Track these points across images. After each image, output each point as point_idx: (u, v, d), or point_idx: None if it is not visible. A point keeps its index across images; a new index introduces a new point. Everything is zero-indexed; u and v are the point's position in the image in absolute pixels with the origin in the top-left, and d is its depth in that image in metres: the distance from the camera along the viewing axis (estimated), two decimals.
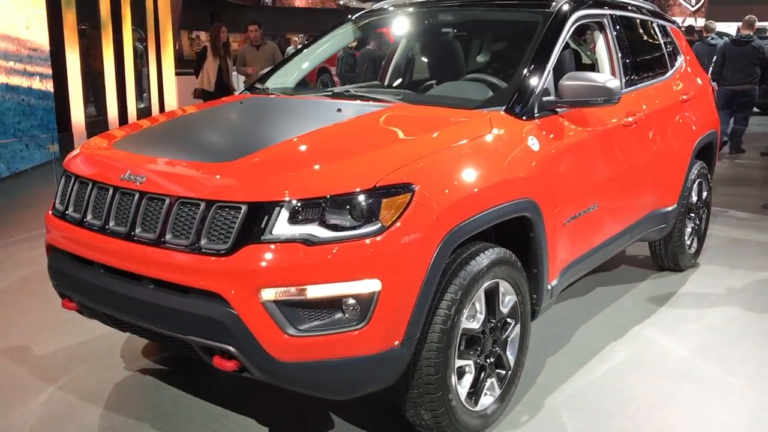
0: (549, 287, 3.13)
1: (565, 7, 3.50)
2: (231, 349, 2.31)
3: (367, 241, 2.27)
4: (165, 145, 2.80)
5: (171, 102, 12.95)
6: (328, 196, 2.28)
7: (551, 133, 3.05)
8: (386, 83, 4.63)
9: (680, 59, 4.65)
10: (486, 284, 2.66)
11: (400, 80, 4.54)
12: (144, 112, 11.90)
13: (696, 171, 4.61)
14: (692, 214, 4.73)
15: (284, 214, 2.26)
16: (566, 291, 4.24)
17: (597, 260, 3.66)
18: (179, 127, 3.16)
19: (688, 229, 4.72)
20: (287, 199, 2.27)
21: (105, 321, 2.73)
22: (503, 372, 2.88)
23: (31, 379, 3.21)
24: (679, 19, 16.49)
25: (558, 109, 3.15)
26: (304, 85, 3.98)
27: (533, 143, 2.92)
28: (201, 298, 2.30)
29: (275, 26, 25.96)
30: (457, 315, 2.51)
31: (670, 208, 4.35)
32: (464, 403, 2.65)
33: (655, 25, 4.48)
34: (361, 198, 2.29)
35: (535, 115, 3.04)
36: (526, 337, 2.98)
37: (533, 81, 3.10)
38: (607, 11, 3.84)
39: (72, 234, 2.66)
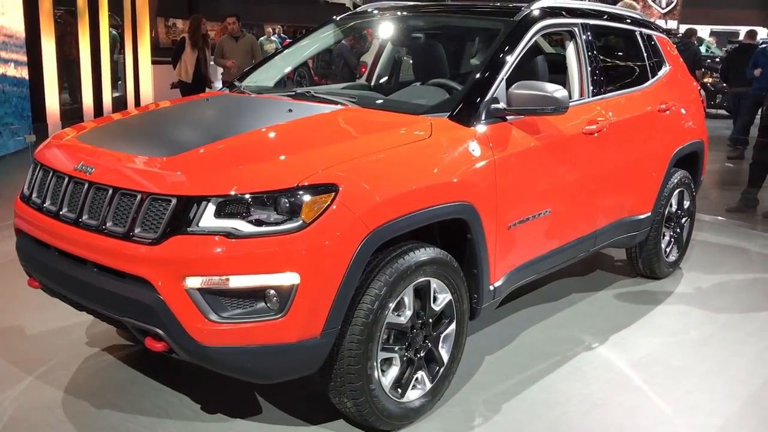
0: (491, 288, 3.24)
1: (528, 17, 3.60)
2: (159, 331, 2.49)
3: (287, 236, 2.42)
4: (121, 140, 2.99)
5: (147, 91, 12.67)
6: (251, 193, 2.44)
7: (497, 139, 3.16)
8: (372, 83, 4.79)
9: (664, 69, 4.68)
10: (415, 282, 2.79)
11: (379, 81, 4.70)
12: (119, 101, 11.71)
13: (676, 180, 4.65)
14: (671, 223, 4.77)
15: (211, 208, 2.43)
16: (536, 291, 4.38)
17: (553, 263, 3.74)
18: (141, 122, 3.36)
19: (666, 238, 4.76)
20: (214, 194, 2.43)
21: (64, 300, 2.93)
22: (436, 367, 3.01)
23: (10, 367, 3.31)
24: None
25: (508, 117, 3.25)
26: (281, 83, 4.13)
27: (474, 149, 3.03)
28: (134, 283, 2.49)
29: (255, 16, 25.08)
30: (380, 310, 2.65)
31: (643, 216, 4.40)
32: (388, 393, 2.79)
33: (638, 34, 4.52)
34: (283, 196, 2.45)
35: (482, 121, 3.14)
36: (462, 334, 3.09)
37: (481, 88, 3.21)
38: (578, 20, 3.90)
39: (33, 218, 2.87)
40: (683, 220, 4.92)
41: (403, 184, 2.71)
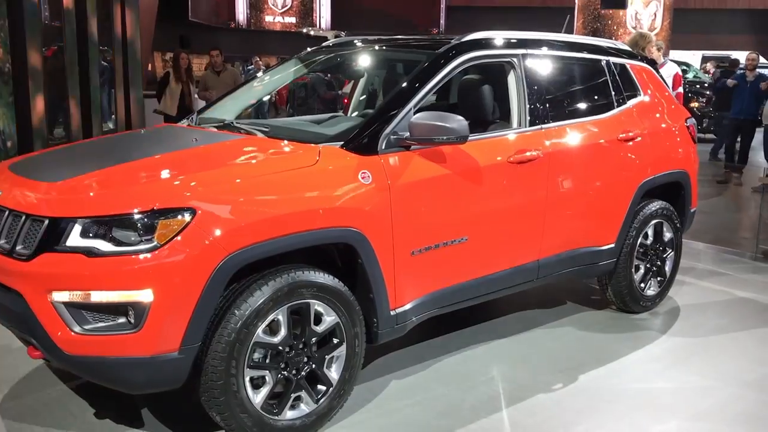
0: (392, 313, 3.30)
1: (450, 50, 3.67)
2: (33, 340, 2.73)
3: (141, 256, 2.62)
4: (38, 167, 3.28)
5: (138, 124, 12.19)
6: (110, 215, 2.66)
7: (394, 167, 3.24)
8: (348, 114, 4.96)
9: (637, 98, 4.58)
10: (290, 303, 2.90)
11: (353, 113, 4.87)
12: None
13: (650, 211, 4.52)
14: (647, 255, 4.62)
15: (77, 228, 2.66)
16: (498, 321, 4.36)
17: (481, 292, 3.73)
18: (67, 151, 3.68)
19: (641, 271, 4.61)
20: (79, 215, 2.66)
21: None
22: (323, 388, 3.09)
23: None
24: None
25: (414, 146, 3.32)
26: (243, 116, 4.35)
27: (364, 177, 3.12)
28: (13, 296, 2.75)
29: (248, 48, 26.06)
30: (244, 328, 2.78)
31: (604, 248, 4.32)
32: (260, 410, 2.90)
33: (603, 63, 4.45)
34: (138, 218, 2.65)
35: (379, 150, 3.23)
36: (355, 356, 3.16)
37: (382, 118, 3.31)
38: (518, 51, 3.93)
39: None
40: (665, 253, 4.76)
41: (272, 209, 2.84)
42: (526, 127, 3.89)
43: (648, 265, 4.67)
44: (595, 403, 3.46)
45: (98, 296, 2.64)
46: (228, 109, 4.25)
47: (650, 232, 4.61)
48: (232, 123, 3.73)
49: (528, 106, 3.90)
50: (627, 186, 4.36)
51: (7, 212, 2.87)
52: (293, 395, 3.01)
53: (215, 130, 3.68)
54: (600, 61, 4.45)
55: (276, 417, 2.97)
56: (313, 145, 3.21)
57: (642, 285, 4.64)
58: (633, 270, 4.54)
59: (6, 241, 2.82)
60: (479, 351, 4.01)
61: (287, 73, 4.53)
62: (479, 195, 3.58)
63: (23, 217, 2.78)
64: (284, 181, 2.96)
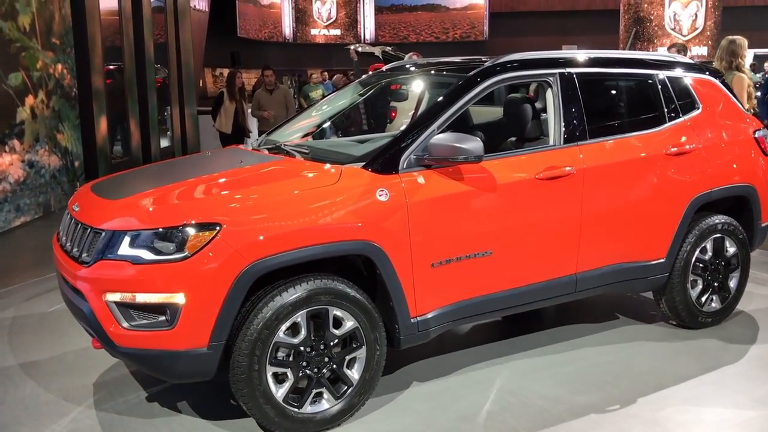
0: (413, 321, 3.56)
1: (481, 72, 3.88)
2: (93, 334, 3.26)
3: (175, 264, 3.07)
4: (111, 186, 3.83)
5: (194, 140, 12.64)
6: (151, 229, 3.13)
7: (414, 186, 3.50)
8: None
9: (693, 111, 4.54)
10: (308, 308, 3.26)
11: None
12: (167, 151, 11.98)
13: (706, 225, 4.47)
14: (706, 271, 4.56)
15: (126, 239, 3.15)
16: (538, 328, 4.53)
17: (510, 303, 3.89)
18: (137, 172, 4.23)
19: (699, 286, 4.56)
20: (128, 229, 3.16)
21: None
22: (344, 386, 3.42)
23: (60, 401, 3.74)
24: (663, 49, 13.65)
25: (433, 165, 3.57)
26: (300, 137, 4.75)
27: (382, 194, 3.42)
28: (79, 296, 3.29)
29: (295, 62, 26.13)
30: (265, 329, 3.16)
31: (653, 262, 4.33)
32: (281, 402, 3.27)
33: (656, 78, 4.46)
34: (173, 232, 3.10)
35: (400, 169, 3.51)
36: (374, 359, 3.46)
37: (404, 139, 3.59)
38: (555, 70, 4.07)
39: (56, 250, 3.77)
40: (729, 268, 4.66)
41: (289, 225, 3.20)
42: (560, 144, 4.01)
43: (708, 281, 4.60)
44: (623, 426, 3.45)
45: (142, 297, 3.11)
46: (290, 131, 4.68)
47: (709, 246, 4.55)
48: (281, 145, 4.14)
49: (563, 123, 4.03)
50: (677, 200, 4.35)
51: (79, 225, 3.43)
52: (314, 391, 3.36)
53: (266, 152, 4.10)
54: (648, 75, 4.46)
55: (297, 410, 3.32)
56: (337, 165, 3.54)
57: (700, 300, 4.58)
58: (689, 285, 4.50)
59: (77, 249, 3.38)
60: (515, 362, 4.15)
61: (350, 95, 4.91)
62: (503, 210, 3.75)
63: (89, 230, 3.32)
64: (304, 198, 3.31)
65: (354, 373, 3.44)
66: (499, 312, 3.95)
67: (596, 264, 4.15)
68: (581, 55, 4.30)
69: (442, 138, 3.53)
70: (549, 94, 4.09)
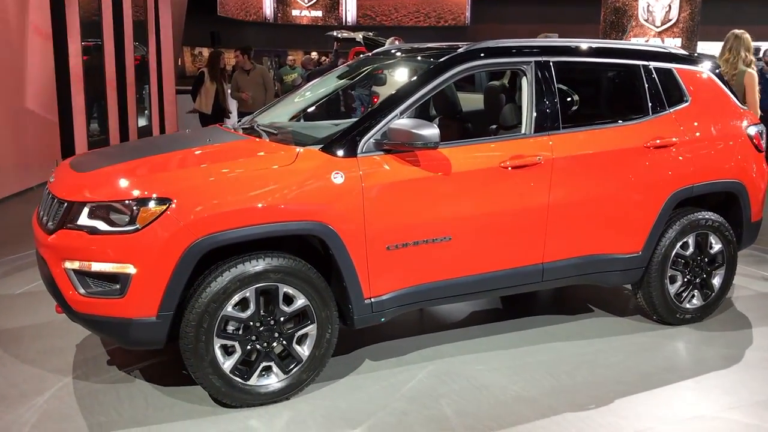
0: (367, 302, 3.63)
1: (450, 59, 3.90)
2: (56, 300, 3.44)
3: (127, 236, 3.21)
4: (84, 161, 3.96)
5: (172, 119, 12.46)
6: (107, 201, 3.27)
7: (372, 169, 3.56)
8: None
9: (682, 104, 4.46)
10: (257, 285, 3.36)
11: None
12: (145, 130, 11.83)
13: (688, 221, 4.41)
14: (687, 267, 4.49)
15: (86, 210, 3.30)
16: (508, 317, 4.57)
17: (473, 289, 3.92)
18: (116, 148, 4.38)
19: (678, 282, 4.50)
20: (87, 200, 3.31)
21: None
22: (293, 362, 3.52)
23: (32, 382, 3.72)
24: (642, 39, 13.18)
25: (393, 150, 3.62)
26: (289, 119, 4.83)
27: (337, 177, 3.48)
28: (44, 263, 3.46)
29: (276, 43, 25.50)
30: (213, 303, 3.27)
31: (626, 255, 4.30)
32: (229, 373, 3.39)
33: (637, 69, 4.38)
34: (126, 205, 3.23)
35: (359, 153, 3.57)
36: (324, 337, 3.54)
37: (364, 124, 3.64)
38: (531, 58, 4.05)
39: (35, 218, 3.94)
40: (713, 265, 4.58)
41: (239, 203, 3.30)
42: (530, 133, 4.00)
43: (689, 277, 4.53)
44: (564, 417, 3.46)
45: (96, 266, 3.26)
46: (280, 112, 4.77)
47: (691, 242, 4.48)
48: (254, 126, 4.24)
49: (534, 113, 4.01)
50: (655, 194, 4.29)
51: (50, 195, 3.60)
52: (263, 365, 3.46)
53: (239, 132, 4.20)
54: (632, 66, 4.39)
55: (245, 381, 3.43)
56: (296, 147, 3.62)
57: (679, 296, 4.51)
58: (667, 280, 4.44)
59: (47, 219, 3.55)
60: (477, 348, 4.19)
61: (337, 80, 4.96)
62: (462, 197, 3.77)
63: (56, 200, 3.48)
64: (256, 178, 3.41)
65: (304, 350, 3.54)
66: (460, 297, 3.99)
67: (565, 255, 4.14)
68: (560, 44, 4.26)
69: (400, 123, 3.57)
70: (524, 82, 4.08)
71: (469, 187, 3.79)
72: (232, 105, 9.98)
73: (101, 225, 3.26)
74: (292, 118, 4.84)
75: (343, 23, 28.03)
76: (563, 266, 4.15)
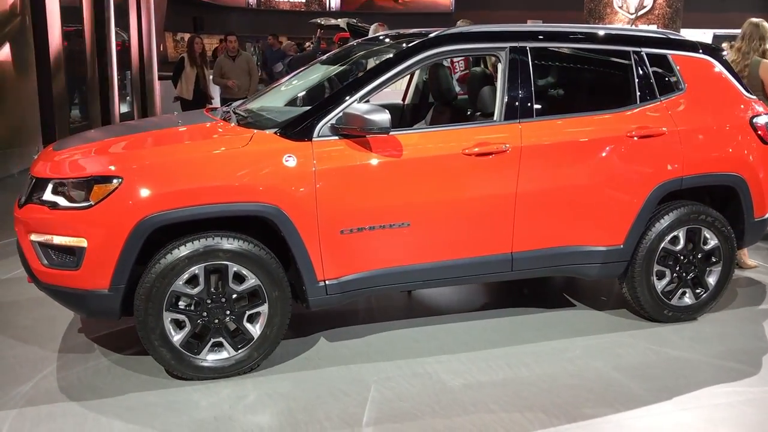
0: (321, 284, 3.68)
1: (417, 45, 3.88)
2: (26, 271, 3.67)
3: (81, 212, 3.39)
4: (65, 142, 4.15)
5: (154, 105, 12.30)
6: (65, 178, 3.46)
7: (326, 153, 3.60)
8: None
9: (676, 92, 4.27)
10: (206, 263, 3.47)
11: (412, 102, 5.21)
12: (127, 117, 11.68)
13: (677, 215, 4.23)
14: (677, 263, 4.31)
15: (50, 186, 3.50)
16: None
17: (436, 275, 3.90)
18: (100, 130, 4.58)
19: (667, 278, 4.32)
20: (50, 177, 3.51)
21: None
22: (245, 340, 3.62)
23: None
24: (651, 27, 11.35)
25: (349, 135, 3.64)
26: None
27: (289, 160, 3.54)
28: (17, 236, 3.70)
29: (259, 28, 24.51)
30: (162, 278, 3.42)
31: (607, 248, 4.17)
32: (178, 347, 3.52)
33: (626, 55, 4.22)
34: (82, 182, 3.41)
35: (314, 137, 3.62)
36: (276, 316, 3.62)
37: (321, 108, 3.68)
38: (500, 44, 3.98)
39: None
40: (708, 262, 4.38)
41: (188, 183, 3.42)
42: (501, 120, 3.94)
43: (679, 274, 4.34)
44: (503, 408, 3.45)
45: (57, 239, 3.46)
46: (270, 99, 4.85)
47: (681, 237, 4.29)
48: (232, 110, 4.35)
49: (506, 99, 3.94)
50: (638, 186, 4.13)
51: (28, 173, 3.84)
52: (213, 340, 3.59)
53: (211, 116, 4.29)
54: (620, 52, 4.23)
55: (194, 356, 3.56)
56: (252, 130, 3.70)
57: (668, 293, 4.34)
58: (654, 276, 4.28)
59: (22, 194, 3.78)
60: (442, 334, 4.18)
61: (322, 69, 5.00)
62: (421, 183, 3.75)
63: (29, 176, 3.71)
64: (208, 159, 3.51)
65: (255, 328, 3.63)
66: (423, 284, 3.98)
67: (536, 245, 4.05)
68: (540, 29, 4.16)
69: (354, 108, 3.59)
70: (498, 68, 4.02)
71: (428, 173, 3.77)
72: (215, 90, 9.95)
73: (62, 200, 3.45)
74: (286, 104, 4.92)
75: (327, 9, 27.61)
76: (535, 257, 4.07)
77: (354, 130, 3.59)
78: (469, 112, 4.32)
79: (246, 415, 3.31)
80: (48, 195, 3.50)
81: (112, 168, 3.42)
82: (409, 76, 5.46)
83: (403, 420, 3.26)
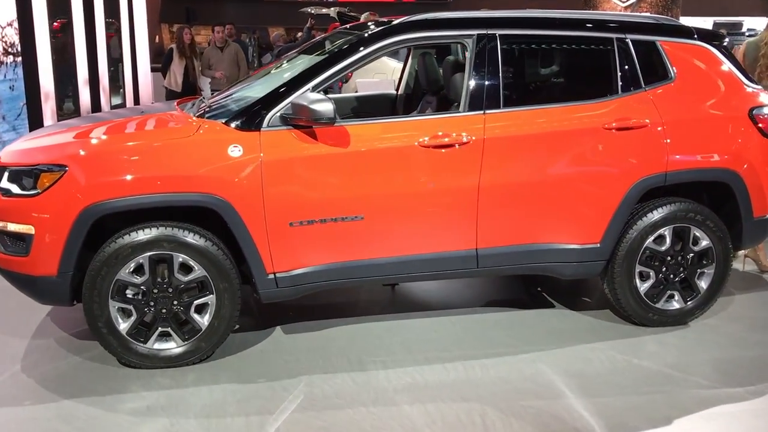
0: (270, 277, 3.64)
1: (373, 33, 3.77)
2: None
3: (28, 199, 3.45)
4: (37, 132, 4.27)
5: (146, 97, 11.97)
6: (17, 166, 3.52)
7: (274, 143, 3.54)
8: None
9: (664, 81, 3.99)
10: (150, 253, 3.48)
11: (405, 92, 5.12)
12: (118, 108, 11.23)
13: (662, 212, 3.97)
14: (660, 264, 4.05)
15: (6, 174, 3.58)
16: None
17: (395, 270, 3.78)
18: (79, 119, 4.64)
19: (651, 280, 4.06)
20: (5, 165, 3.59)
21: None
22: (193, 329, 3.62)
23: None
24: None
25: (299, 125, 3.57)
26: None
27: (235, 150, 3.50)
28: None
29: (257, 19, 23.67)
30: (105, 267, 3.44)
31: (583, 246, 3.96)
32: (125, 335, 3.55)
33: (607, 42, 3.96)
34: (30, 170, 3.47)
35: (263, 127, 3.56)
36: (223, 307, 3.60)
37: (271, 98, 3.62)
38: (467, 32, 3.82)
39: None
40: (699, 264, 4.10)
41: (131, 172, 3.42)
42: (465, 110, 3.78)
43: (665, 275, 4.07)
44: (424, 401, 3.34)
45: (11, 227, 3.54)
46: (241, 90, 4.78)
47: (668, 236, 4.02)
48: (201, 99, 4.34)
49: (471, 89, 3.78)
50: (616, 180, 3.89)
51: None
52: (160, 329, 3.59)
53: (178, 107, 4.25)
54: (601, 39, 3.98)
55: (141, 344, 3.58)
56: (203, 120, 3.68)
57: (652, 296, 4.08)
58: (636, 277, 4.03)
59: None
60: (406, 330, 4.08)
61: (301, 59, 4.90)
62: (374, 176, 3.64)
63: None
64: (154, 149, 3.52)
65: (203, 319, 3.62)
66: (379, 279, 3.88)
67: (504, 241, 3.88)
68: (512, 15, 3.96)
69: (300, 98, 3.51)
70: (466, 57, 3.86)
71: (381, 166, 3.66)
72: (204, 82, 9.78)
73: (14, 188, 3.53)
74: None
75: None
76: (502, 253, 3.90)
77: (301, 120, 3.51)
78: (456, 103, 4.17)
79: (179, 406, 3.30)
80: (4, 182, 3.58)
81: (58, 157, 3.46)
82: (402, 66, 5.36)
83: (331, 418, 3.18)
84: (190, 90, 9.33)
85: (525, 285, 4.78)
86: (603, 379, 3.55)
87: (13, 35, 8.24)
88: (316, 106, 3.41)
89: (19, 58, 8.29)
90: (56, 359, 3.75)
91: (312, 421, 3.15)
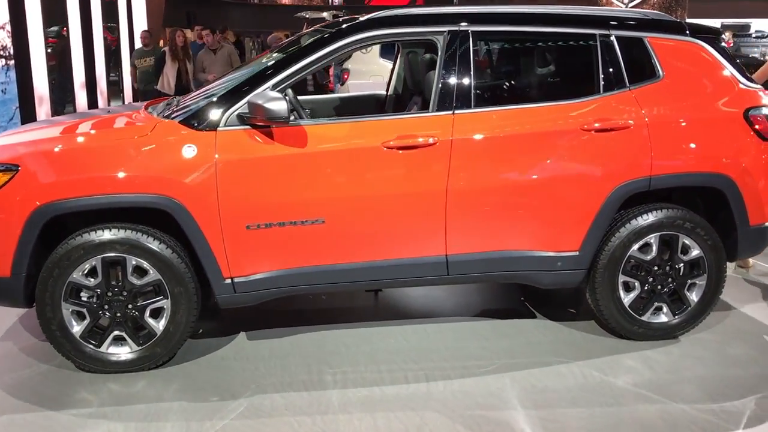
0: (227, 282, 3.53)
1: (341, 29, 3.64)
2: None
3: None
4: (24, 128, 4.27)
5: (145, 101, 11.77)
6: None
7: (230, 144, 3.43)
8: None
9: (651, 80, 3.76)
10: (102, 255, 3.40)
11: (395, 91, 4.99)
12: None
13: (647, 219, 3.74)
14: (646, 274, 3.81)
15: None
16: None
17: (360, 276, 3.63)
18: (67, 117, 4.61)
19: (636, 291, 3.83)
20: None
21: None
22: (148, 335, 3.53)
23: None
24: None
25: (256, 125, 3.45)
26: None
27: (188, 151, 3.40)
28: None
29: (260, 23, 23.38)
30: (57, 269, 3.38)
31: (560, 254, 3.75)
32: (78, 338, 3.47)
33: (596, 40, 3.74)
34: None
35: (220, 126, 3.45)
36: (179, 312, 3.50)
37: (226, 97, 3.51)
38: (437, 28, 3.65)
39: None
40: (689, 275, 3.84)
41: (84, 172, 3.36)
42: (433, 110, 3.62)
43: (652, 286, 3.83)
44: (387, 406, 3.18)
45: None
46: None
47: (654, 245, 3.78)
48: (174, 100, 4.25)
49: (439, 88, 3.62)
50: (595, 185, 3.67)
51: None
52: (115, 333, 3.51)
53: (144, 107, 4.17)
54: (582, 35, 3.77)
55: (95, 348, 3.51)
56: (160, 120, 3.59)
57: (637, 308, 3.84)
58: (620, 288, 3.80)
59: None
60: (376, 337, 3.94)
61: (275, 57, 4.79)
62: (335, 178, 3.51)
63: None
64: (106, 149, 3.44)
65: (159, 324, 3.53)
66: (344, 285, 3.72)
67: (476, 248, 3.69)
68: (485, 11, 3.78)
69: (257, 96, 3.39)
70: (437, 55, 3.69)
71: (342, 167, 3.52)
72: (197, 85, 9.50)
73: None
74: None
75: (329, 3, 26.63)
76: (474, 260, 3.71)
77: (258, 120, 3.39)
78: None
79: (122, 413, 3.20)
80: None
81: (10, 157, 3.42)
82: (392, 65, 5.21)
83: (269, 429, 3.05)
84: (182, 93, 9.12)
85: (509, 293, 4.57)
86: (572, 395, 3.34)
87: (5, 38, 8.32)
88: (269, 105, 3.29)
89: (12, 61, 8.34)
90: (21, 367, 3.66)
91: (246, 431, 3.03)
